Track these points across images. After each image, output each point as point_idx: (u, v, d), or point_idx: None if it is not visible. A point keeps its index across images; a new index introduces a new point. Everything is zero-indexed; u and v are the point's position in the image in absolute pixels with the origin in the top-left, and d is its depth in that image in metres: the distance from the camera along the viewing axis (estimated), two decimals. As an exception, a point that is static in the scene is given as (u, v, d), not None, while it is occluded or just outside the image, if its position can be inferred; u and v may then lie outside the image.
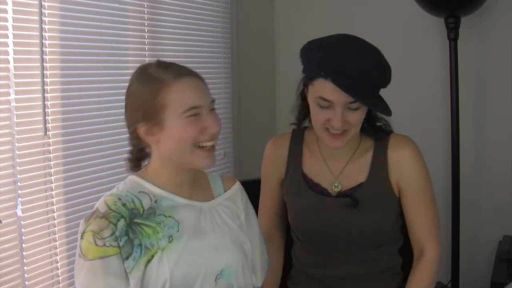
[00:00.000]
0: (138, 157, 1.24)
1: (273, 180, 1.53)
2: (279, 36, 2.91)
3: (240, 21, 2.63)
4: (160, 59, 1.20)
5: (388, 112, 1.32)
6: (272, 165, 1.53)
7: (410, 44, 2.49)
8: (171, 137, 1.13)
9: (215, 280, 1.16)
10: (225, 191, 1.29)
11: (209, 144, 1.16)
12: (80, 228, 1.12)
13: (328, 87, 1.27)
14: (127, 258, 1.09)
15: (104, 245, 1.07)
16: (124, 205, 1.12)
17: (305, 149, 1.48)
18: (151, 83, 1.13)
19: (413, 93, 2.50)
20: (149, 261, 1.11)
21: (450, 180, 2.25)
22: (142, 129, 1.14)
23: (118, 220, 1.10)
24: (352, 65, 1.26)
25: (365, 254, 1.42)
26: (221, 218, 1.24)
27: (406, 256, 1.49)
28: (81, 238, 1.10)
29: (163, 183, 1.19)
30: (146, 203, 1.15)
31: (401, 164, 1.39)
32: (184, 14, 2.30)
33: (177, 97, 1.11)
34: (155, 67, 1.17)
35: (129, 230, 1.10)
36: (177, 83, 1.12)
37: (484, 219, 2.42)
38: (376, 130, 1.42)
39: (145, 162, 1.24)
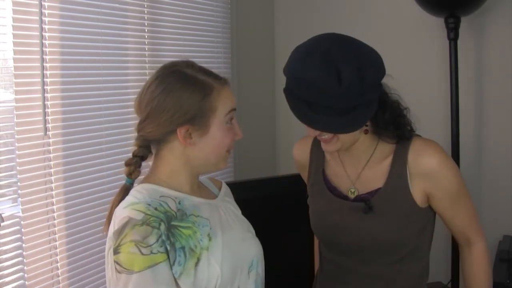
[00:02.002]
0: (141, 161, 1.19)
1: (305, 180, 1.52)
2: (279, 36, 2.91)
3: (240, 21, 2.63)
4: (188, 59, 1.19)
5: (337, 130, 1.23)
6: (299, 166, 1.53)
7: (410, 44, 2.49)
8: (211, 142, 1.14)
9: (248, 272, 1.18)
10: (219, 190, 1.32)
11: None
12: (110, 244, 1.04)
13: None
14: (173, 263, 1.04)
15: (151, 252, 1.01)
16: (156, 209, 1.07)
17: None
18: (200, 88, 1.12)
19: (412, 93, 2.47)
20: (196, 264, 1.07)
21: (450, 180, 2.25)
22: (182, 132, 1.12)
23: (159, 224, 1.04)
24: (300, 76, 1.19)
25: (381, 269, 1.34)
26: (231, 211, 1.26)
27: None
28: (117, 252, 1.02)
29: (178, 185, 1.16)
30: (173, 205, 1.11)
31: (429, 173, 1.28)
32: (184, 14, 2.31)
33: (224, 102, 1.14)
34: (193, 69, 1.15)
35: (169, 233, 1.05)
36: (223, 88, 1.15)
37: (484, 219, 2.40)
38: (397, 135, 1.33)
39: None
